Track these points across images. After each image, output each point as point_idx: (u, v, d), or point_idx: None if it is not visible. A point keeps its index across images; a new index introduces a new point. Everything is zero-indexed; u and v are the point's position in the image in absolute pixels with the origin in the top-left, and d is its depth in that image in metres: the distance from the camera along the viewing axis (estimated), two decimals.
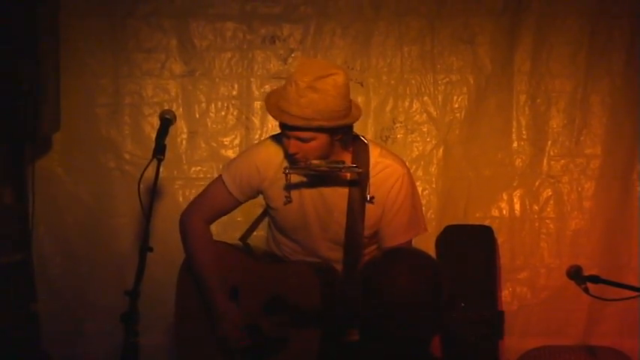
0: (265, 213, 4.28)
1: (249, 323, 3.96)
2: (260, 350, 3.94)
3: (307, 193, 3.95)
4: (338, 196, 3.92)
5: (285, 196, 3.94)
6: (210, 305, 4.04)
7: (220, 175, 4.11)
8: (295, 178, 3.92)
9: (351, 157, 3.91)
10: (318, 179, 3.92)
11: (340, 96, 3.72)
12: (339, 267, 3.97)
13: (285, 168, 3.84)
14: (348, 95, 3.79)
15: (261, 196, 4.13)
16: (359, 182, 3.87)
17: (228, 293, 4.05)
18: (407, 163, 5.18)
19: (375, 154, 3.94)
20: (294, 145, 3.76)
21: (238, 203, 4.12)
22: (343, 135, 3.83)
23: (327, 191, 3.93)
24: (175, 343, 4.29)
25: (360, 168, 3.85)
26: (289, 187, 3.92)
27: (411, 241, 4.00)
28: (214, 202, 4.13)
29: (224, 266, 4.07)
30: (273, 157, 3.96)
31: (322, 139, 3.75)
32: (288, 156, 3.84)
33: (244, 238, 4.46)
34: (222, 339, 4.00)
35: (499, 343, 5.08)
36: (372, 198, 3.87)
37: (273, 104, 3.80)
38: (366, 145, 3.96)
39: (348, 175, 3.90)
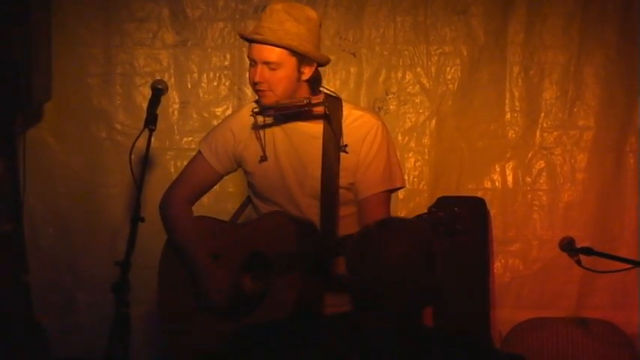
0: None
1: (230, 282, 3.93)
2: (238, 307, 3.92)
3: (282, 149, 3.94)
4: (312, 149, 3.90)
5: (261, 155, 3.94)
6: (195, 271, 3.99)
7: (199, 150, 4.10)
8: (269, 137, 3.93)
9: (322, 107, 3.91)
10: (291, 135, 3.92)
11: (311, 30, 3.79)
12: (316, 221, 3.94)
13: (253, 110, 3.86)
14: (318, 35, 3.84)
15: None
16: (332, 133, 3.87)
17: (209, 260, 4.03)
18: (399, 135, 5.26)
19: (347, 106, 3.96)
20: (260, 74, 3.77)
21: (218, 176, 4.09)
22: (311, 77, 3.84)
23: (301, 146, 3.92)
24: (160, 320, 4.24)
25: (327, 103, 3.86)
26: (263, 144, 3.93)
27: (387, 194, 3.96)
28: (193, 177, 4.09)
29: (203, 238, 4.04)
30: (247, 119, 3.95)
31: (289, 67, 3.77)
32: (252, 87, 3.86)
33: (237, 210, 4.44)
34: (206, 300, 3.97)
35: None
36: (345, 146, 3.86)
37: (247, 33, 3.87)
38: (337, 98, 3.97)
39: (319, 110, 3.87)
